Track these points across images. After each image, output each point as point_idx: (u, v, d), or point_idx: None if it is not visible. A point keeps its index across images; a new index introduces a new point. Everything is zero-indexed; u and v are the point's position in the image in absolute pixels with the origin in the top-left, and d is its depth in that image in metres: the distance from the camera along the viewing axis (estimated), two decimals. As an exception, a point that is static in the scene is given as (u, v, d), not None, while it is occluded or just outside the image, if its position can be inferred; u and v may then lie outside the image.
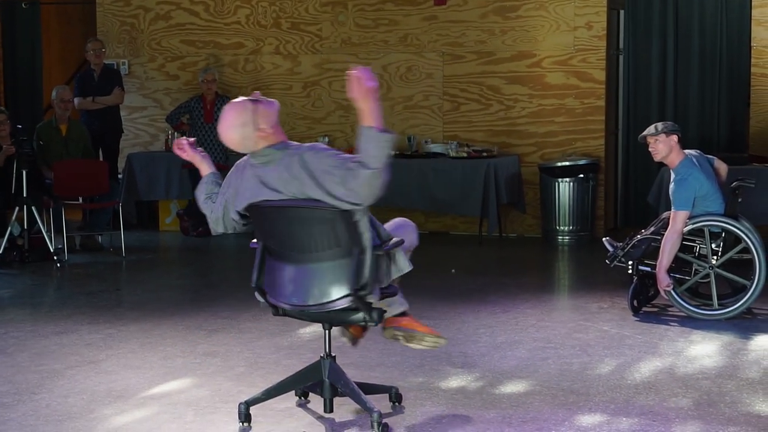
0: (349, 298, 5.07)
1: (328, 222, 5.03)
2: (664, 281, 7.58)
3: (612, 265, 7.92)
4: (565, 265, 10.68)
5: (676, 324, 7.55)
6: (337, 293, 5.09)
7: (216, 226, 5.43)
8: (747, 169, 9.66)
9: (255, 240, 5.37)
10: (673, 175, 7.73)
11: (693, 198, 7.56)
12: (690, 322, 7.57)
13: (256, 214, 5.21)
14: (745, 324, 7.53)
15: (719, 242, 7.70)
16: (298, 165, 5.03)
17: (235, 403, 5.48)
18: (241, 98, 5.23)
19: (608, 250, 7.99)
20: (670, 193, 7.72)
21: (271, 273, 5.26)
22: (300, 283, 5.15)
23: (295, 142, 5.24)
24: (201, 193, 5.56)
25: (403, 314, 5.55)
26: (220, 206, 5.36)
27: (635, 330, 7.35)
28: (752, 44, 11.33)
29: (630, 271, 7.80)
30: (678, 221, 7.53)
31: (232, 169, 5.37)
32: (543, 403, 5.65)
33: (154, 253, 11.49)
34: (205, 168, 5.62)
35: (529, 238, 11.77)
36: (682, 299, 7.70)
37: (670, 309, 7.92)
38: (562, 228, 11.33)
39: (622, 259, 7.83)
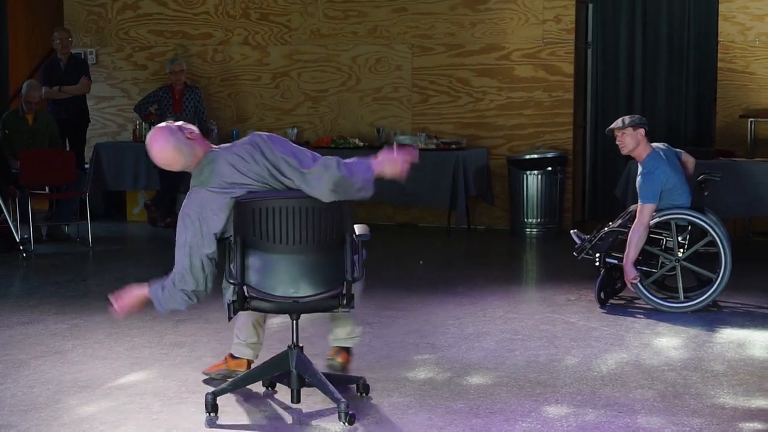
0: (341, 286, 5.24)
1: (327, 212, 5.10)
2: (630, 273, 7.62)
3: (579, 258, 7.95)
4: (532, 258, 10.71)
5: (642, 316, 7.59)
6: (332, 282, 5.23)
7: (190, 285, 5.34)
8: (713, 163, 9.70)
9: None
10: (640, 168, 7.76)
11: (660, 191, 7.60)
12: (656, 314, 7.61)
13: (244, 211, 5.13)
14: (711, 317, 7.58)
15: (685, 235, 7.74)
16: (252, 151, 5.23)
17: (202, 394, 5.47)
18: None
19: (576, 243, 8.03)
20: (637, 185, 7.75)
21: (258, 267, 5.21)
22: (302, 275, 5.18)
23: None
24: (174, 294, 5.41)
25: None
26: (185, 257, 5.27)
27: (602, 322, 7.38)
28: (719, 39, 11.39)
29: (597, 264, 7.82)
30: (645, 214, 7.57)
31: (183, 213, 5.27)
32: (510, 394, 5.67)
33: (121, 244, 11.44)
34: (144, 289, 5.49)
35: (497, 231, 11.80)
36: (649, 292, 7.74)
37: (636, 301, 7.97)
38: (530, 220, 11.36)
39: (590, 252, 7.87)
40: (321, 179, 5.14)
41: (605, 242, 7.82)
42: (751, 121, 11.13)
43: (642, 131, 7.71)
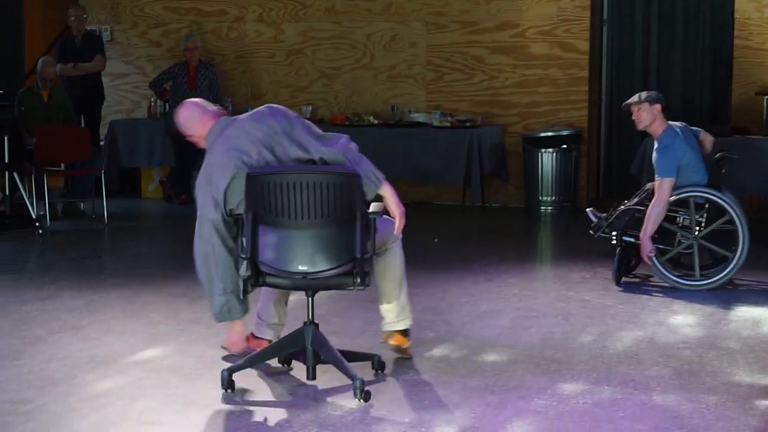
0: (351, 263, 5.21)
1: (338, 187, 5.11)
2: (647, 247, 7.60)
3: (596, 236, 7.93)
4: (547, 235, 10.71)
5: (657, 294, 7.58)
6: (340, 258, 5.21)
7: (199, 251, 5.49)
8: (729, 141, 9.68)
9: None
10: (656, 144, 7.74)
11: (677, 165, 7.57)
12: (671, 292, 7.61)
13: (255, 185, 5.15)
14: (726, 295, 7.56)
15: (702, 213, 7.72)
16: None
17: (218, 370, 5.48)
18: None
19: (592, 221, 8.00)
20: (653, 161, 7.73)
21: (267, 242, 5.21)
22: (303, 250, 5.18)
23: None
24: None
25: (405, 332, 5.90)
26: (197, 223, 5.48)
27: (617, 300, 7.38)
28: (735, 16, 11.34)
29: (614, 242, 7.80)
30: (664, 189, 7.55)
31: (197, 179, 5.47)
32: (525, 372, 5.68)
33: (136, 221, 11.47)
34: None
35: (512, 208, 11.79)
36: (665, 269, 7.73)
37: (651, 279, 7.96)
38: (544, 198, 11.34)
39: (606, 230, 7.84)
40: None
41: (621, 220, 7.80)
42: (767, 99, 11.08)
43: (658, 107, 7.70)
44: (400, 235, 5.64)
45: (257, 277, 5.30)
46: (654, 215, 7.56)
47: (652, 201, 7.61)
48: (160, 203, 12.19)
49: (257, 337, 5.90)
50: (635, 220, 7.78)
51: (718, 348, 6.15)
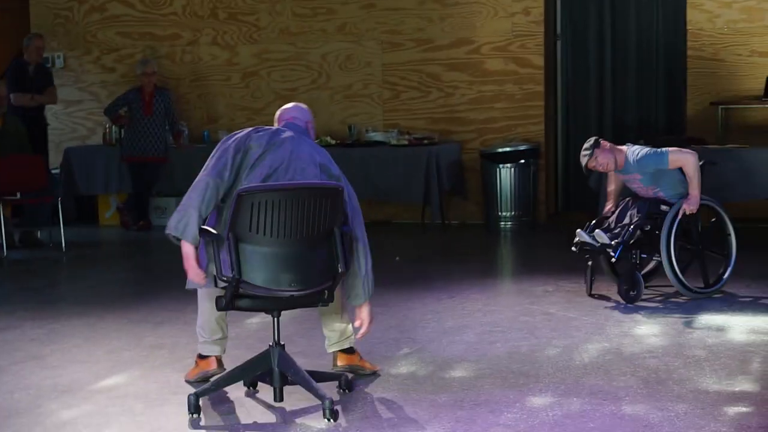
0: (334, 279, 5.28)
1: (321, 204, 5.13)
2: (696, 202, 7.66)
3: (613, 259, 7.66)
4: (508, 250, 10.72)
5: (620, 305, 7.59)
6: (327, 274, 5.26)
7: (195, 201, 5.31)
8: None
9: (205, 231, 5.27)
10: (634, 157, 7.68)
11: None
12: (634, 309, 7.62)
13: (241, 204, 5.04)
14: (689, 304, 7.59)
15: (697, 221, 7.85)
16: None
17: (184, 395, 5.42)
18: None
19: (592, 243, 7.67)
20: (645, 154, 7.65)
21: (253, 261, 5.13)
22: (294, 268, 5.15)
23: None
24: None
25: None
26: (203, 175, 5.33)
27: (581, 312, 7.39)
28: (687, 27, 11.44)
29: (637, 262, 7.73)
30: (684, 152, 7.68)
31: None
32: (494, 386, 5.66)
33: (95, 248, 11.37)
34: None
35: (472, 225, 11.79)
36: (686, 279, 7.71)
37: (612, 291, 7.91)
38: (504, 214, 11.36)
39: (624, 253, 7.62)
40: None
41: (632, 237, 7.63)
42: (721, 108, 11.18)
43: (605, 143, 7.67)
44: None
45: (232, 299, 5.22)
46: (697, 169, 7.64)
47: (688, 165, 7.60)
48: (118, 230, 12.09)
49: (204, 356, 5.84)
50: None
51: (684, 356, 6.17)
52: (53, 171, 12.15)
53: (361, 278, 5.55)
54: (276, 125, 5.70)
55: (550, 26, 11.96)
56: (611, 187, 8.05)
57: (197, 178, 5.32)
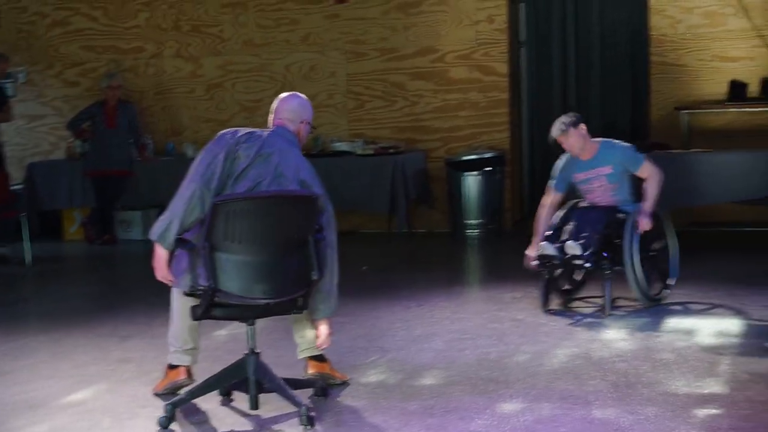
0: (308, 286, 5.27)
1: (295, 212, 5.16)
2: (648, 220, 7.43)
3: (585, 270, 7.52)
4: (475, 258, 10.72)
5: (587, 311, 7.60)
6: (302, 282, 5.25)
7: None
8: (650, 156, 9.76)
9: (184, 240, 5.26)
10: (615, 145, 7.65)
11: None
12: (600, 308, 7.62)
13: (216, 213, 5.05)
14: (656, 308, 7.59)
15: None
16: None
17: (153, 408, 5.39)
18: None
19: (556, 256, 7.39)
20: (627, 146, 7.67)
21: (228, 270, 5.11)
22: (270, 276, 5.14)
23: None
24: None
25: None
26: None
27: (549, 318, 7.38)
28: (650, 33, 11.49)
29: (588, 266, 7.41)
30: (654, 166, 7.57)
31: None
32: (463, 393, 5.65)
33: (59, 263, 11.26)
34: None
35: (438, 233, 11.78)
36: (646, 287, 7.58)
37: (581, 297, 7.93)
38: (470, 221, 11.36)
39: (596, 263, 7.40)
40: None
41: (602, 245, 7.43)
42: (685, 113, 11.24)
43: (583, 127, 7.55)
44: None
45: (207, 308, 5.20)
46: (659, 190, 7.50)
47: (656, 176, 7.48)
48: (82, 244, 12.00)
49: (174, 366, 5.80)
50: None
51: (653, 360, 6.18)
52: (15, 187, 12.02)
53: (325, 293, 5.53)
54: (271, 117, 5.69)
55: (513, 34, 11.99)
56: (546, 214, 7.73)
57: (184, 184, 5.28)
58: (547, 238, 7.48)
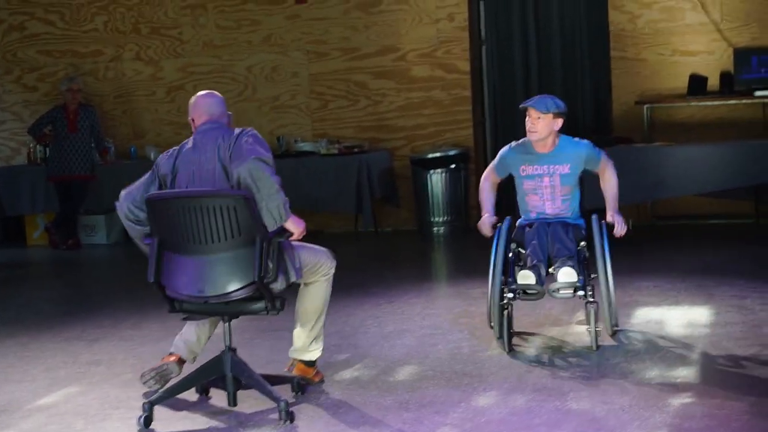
0: (253, 287, 5.13)
1: (231, 210, 5.05)
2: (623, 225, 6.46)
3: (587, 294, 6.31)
4: (442, 255, 10.73)
5: (557, 303, 7.58)
6: (241, 282, 5.14)
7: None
8: (612, 150, 9.81)
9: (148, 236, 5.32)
10: (579, 141, 6.71)
11: None
12: (572, 300, 7.59)
13: (154, 208, 5.16)
14: (625, 299, 7.58)
15: None
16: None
17: (126, 410, 5.36)
18: None
19: (535, 286, 6.25)
20: (589, 142, 6.72)
21: (171, 267, 5.18)
22: (201, 275, 5.13)
23: None
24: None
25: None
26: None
27: (520, 311, 7.31)
28: (610, 28, 11.54)
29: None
30: (611, 163, 6.63)
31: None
32: (438, 387, 5.65)
33: (24, 269, 11.16)
34: None
35: (405, 231, 11.78)
36: None
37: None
38: (436, 219, 11.38)
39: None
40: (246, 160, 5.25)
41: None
42: (646, 107, 11.30)
43: (560, 122, 6.53)
44: (332, 271, 5.75)
45: (171, 303, 5.26)
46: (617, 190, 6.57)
47: (612, 177, 6.54)
48: (47, 250, 11.89)
49: (171, 353, 5.83)
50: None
51: (625, 350, 6.20)
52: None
53: (265, 210, 5.23)
54: (191, 117, 5.66)
55: (474, 31, 12.00)
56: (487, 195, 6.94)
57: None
58: (531, 266, 6.31)
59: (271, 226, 5.19)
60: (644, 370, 5.77)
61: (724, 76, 11.06)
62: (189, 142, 5.50)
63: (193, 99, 5.75)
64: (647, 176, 10.03)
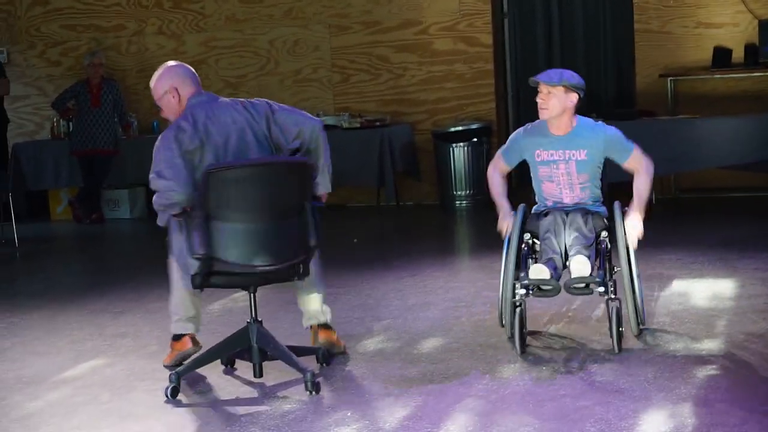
0: (306, 252, 5.29)
1: (302, 177, 5.23)
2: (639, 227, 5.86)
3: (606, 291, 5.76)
4: (464, 229, 10.73)
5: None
6: (300, 247, 5.27)
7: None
8: (636, 124, 9.81)
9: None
10: (601, 124, 6.09)
11: None
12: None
13: (218, 179, 5.08)
14: (648, 272, 7.50)
15: None
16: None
17: (152, 381, 5.40)
18: None
19: (550, 282, 5.69)
20: (607, 134, 5.98)
21: (222, 238, 5.11)
22: (267, 243, 5.15)
23: None
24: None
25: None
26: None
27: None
28: (634, 1, 11.48)
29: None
30: (646, 157, 5.98)
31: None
32: (462, 359, 5.66)
33: (48, 243, 11.22)
34: None
35: (427, 205, 11.77)
36: None
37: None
38: (458, 193, 11.36)
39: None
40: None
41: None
42: (670, 80, 11.24)
43: (575, 97, 5.90)
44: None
45: (206, 276, 5.19)
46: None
47: (647, 171, 5.92)
48: (70, 224, 11.95)
49: (179, 337, 5.78)
50: None
51: (649, 322, 6.18)
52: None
53: (322, 169, 5.72)
54: (172, 86, 5.73)
55: (496, 4, 11.96)
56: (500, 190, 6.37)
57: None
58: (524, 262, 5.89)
59: (325, 191, 5.55)
60: (669, 343, 5.77)
61: (749, 48, 10.99)
62: (194, 116, 5.44)
63: (170, 68, 5.81)
64: (671, 149, 9.99)
